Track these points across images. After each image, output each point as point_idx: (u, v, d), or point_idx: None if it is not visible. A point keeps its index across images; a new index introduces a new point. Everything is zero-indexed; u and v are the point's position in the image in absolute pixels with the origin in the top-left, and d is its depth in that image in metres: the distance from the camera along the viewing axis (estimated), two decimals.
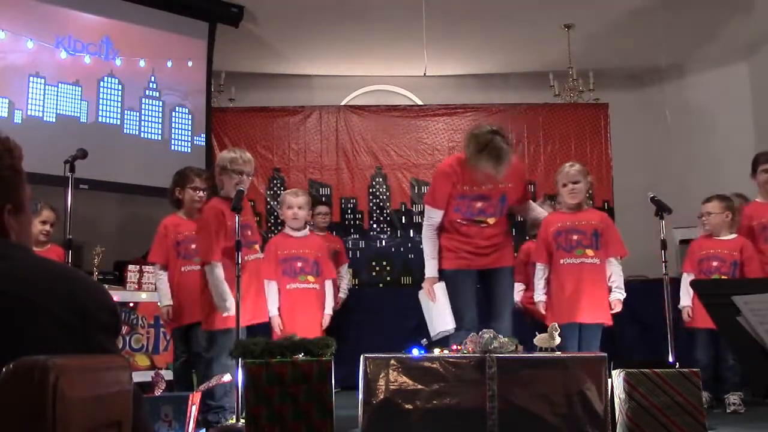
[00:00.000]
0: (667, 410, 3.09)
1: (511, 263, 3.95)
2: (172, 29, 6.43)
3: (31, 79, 5.66)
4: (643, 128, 8.00)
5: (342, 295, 5.77)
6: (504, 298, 3.83)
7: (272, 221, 7.13)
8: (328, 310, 4.42)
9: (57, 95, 5.79)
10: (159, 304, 4.20)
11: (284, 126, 7.39)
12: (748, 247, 4.50)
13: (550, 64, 7.33)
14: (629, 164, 7.61)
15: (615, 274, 3.86)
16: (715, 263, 4.56)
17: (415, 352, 3.26)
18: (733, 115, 7.47)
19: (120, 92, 6.16)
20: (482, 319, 3.72)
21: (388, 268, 7.25)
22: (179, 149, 6.49)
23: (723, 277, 4.49)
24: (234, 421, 3.41)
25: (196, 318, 3.86)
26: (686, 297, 4.60)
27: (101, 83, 6.05)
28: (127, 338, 4.62)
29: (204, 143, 6.65)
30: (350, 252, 6.86)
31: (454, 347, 3.39)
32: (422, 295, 3.85)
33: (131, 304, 4.69)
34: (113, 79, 6.13)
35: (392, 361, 3.18)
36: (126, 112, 6.19)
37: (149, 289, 4.83)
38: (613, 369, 3.23)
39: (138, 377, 3.67)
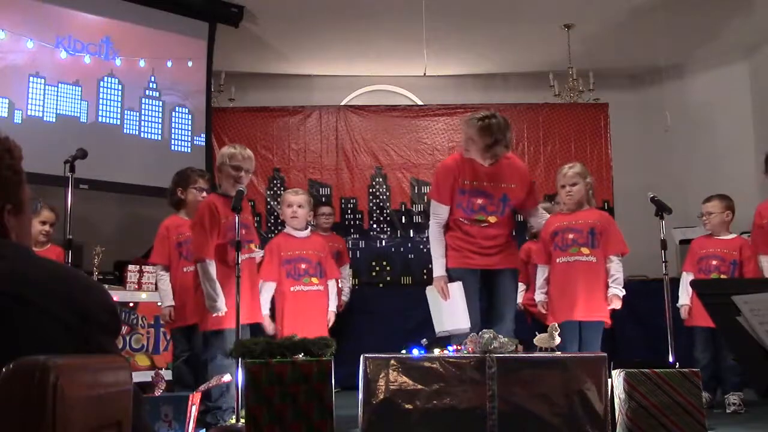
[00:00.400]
0: (667, 410, 3.09)
1: (515, 265, 3.90)
2: (172, 29, 6.43)
3: (31, 79, 5.66)
4: (643, 128, 8.00)
5: (344, 298, 5.78)
6: (506, 301, 3.80)
7: (272, 221, 7.14)
8: (332, 308, 4.39)
9: (57, 95, 5.79)
10: (160, 304, 4.20)
11: (284, 126, 7.40)
12: (747, 247, 4.50)
13: (550, 64, 7.33)
14: (629, 164, 7.61)
15: (614, 271, 3.84)
16: (714, 262, 4.57)
17: (415, 352, 3.26)
18: (733, 115, 7.47)
19: (120, 92, 6.16)
20: (484, 321, 3.70)
21: (388, 268, 7.25)
22: (179, 149, 6.49)
23: (722, 276, 4.49)
24: (234, 421, 3.41)
25: (198, 318, 3.85)
26: (684, 295, 4.62)
27: (101, 83, 6.05)
28: (127, 338, 4.62)
29: (204, 143, 6.64)
30: (350, 252, 6.86)
31: (454, 347, 3.38)
32: (431, 291, 3.79)
33: (131, 304, 4.69)
34: (113, 79, 6.13)
35: (392, 361, 3.18)
36: (126, 112, 6.19)
37: (149, 289, 4.83)
38: (613, 369, 3.23)
39: (138, 377, 3.67)
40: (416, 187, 7.36)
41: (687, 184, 7.26)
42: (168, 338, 4.72)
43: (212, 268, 3.57)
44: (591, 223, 3.88)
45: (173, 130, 6.48)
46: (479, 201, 3.73)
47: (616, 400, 3.18)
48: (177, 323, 4.11)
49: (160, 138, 6.40)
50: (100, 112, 6.03)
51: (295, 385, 2.92)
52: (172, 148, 6.46)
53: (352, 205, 7.31)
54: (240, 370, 3.21)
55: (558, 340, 3.28)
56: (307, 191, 4.60)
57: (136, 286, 4.88)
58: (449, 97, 7.75)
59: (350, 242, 7.09)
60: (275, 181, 7.24)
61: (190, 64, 6.58)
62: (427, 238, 7.04)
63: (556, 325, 3.35)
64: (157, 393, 3.23)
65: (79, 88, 5.91)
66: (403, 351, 3.28)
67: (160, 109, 6.41)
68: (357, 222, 7.29)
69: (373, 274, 7.22)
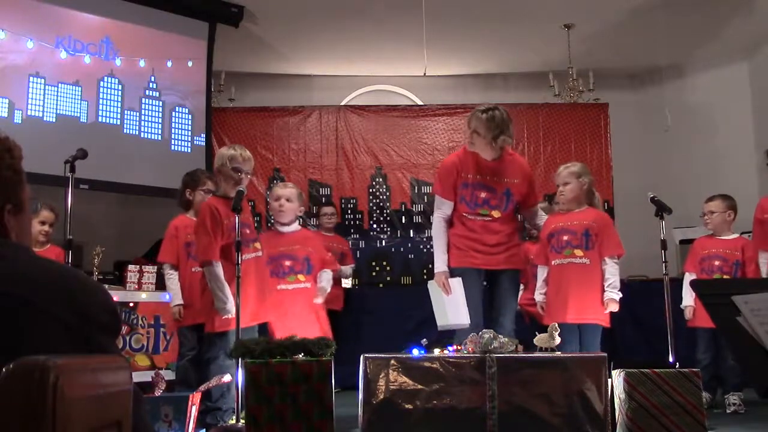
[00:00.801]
0: (667, 410, 3.09)
1: (517, 266, 3.87)
2: (172, 29, 6.43)
3: (31, 79, 5.66)
4: (642, 128, 8.01)
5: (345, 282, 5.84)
6: (507, 302, 3.78)
7: (272, 221, 7.13)
8: (322, 283, 4.14)
9: (57, 95, 5.79)
10: (170, 303, 4.29)
11: (284, 126, 7.40)
12: (749, 248, 4.50)
13: (550, 64, 7.33)
14: (629, 164, 7.61)
15: (609, 274, 3.79)
16: (717, 263, 4.56)
17: (415, 352, 3.26)
18: (733, 115, 7.47)
19: (120, 92, 6.16)
20: (486, 321, 3.70)
21: (388, 268, 7.25)
22: (179, 149, 6.49)
23: (725, 276, 4.48)
24: (234, 421, 3.41)
25: (204, 319, 3.85)
26: (688, 296, 4.59)
27: (101, 83, 6.05)
28: (127, 338, 4.62)
29: (204, 143, 6.64)
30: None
31: (454, 347, 3.38)
32: (433, 286, 3.78)
33: (131, 304, 4.69)
34: (113, 79, 6.13)
35: (392, 361, 3.18)
36: (126, 112, 6.19)
37: (149, 289, 4.84)
38: (613, 369, 3.23)
39: (138, 377, 3.67)
40: (416, 187, 7.37)
41: (687, 184, 7.25)
42: (168, 338, 4.73)
43: (219, 269, 3.57)
44: (586, 224, 3.85)
45: (173, 130, 6.48)
46: (483, 195, 3.73)
47: (616, 400, 3.18)
48: (186, 321, 4.17)
49: (160, 138, 6.40)
50: (100, 112, 6.03)
51: (295, 385, 2.91)
52: (172, 148, 6.46)
53: (352, 205, 7.31)
54: (240, 370, 3.21)
55: (558, 340, 3.28)
56: (296, 186, 4.35)
57: (136, 286, 4.88)
58: (449, 97, 7.75)
59: (350, 242, 7.10)
60: (275, 182, 7.23)
61: (190, 64, 6.58)
62: (427, 238, 7.13)
63: (556, 325, 3.34)
64: (157, 393, 3.23)
65: (79, 88, 5.91)
66: (403, 351, 3.28)
67: (160, 109, 6.41)
68: (357, 222, 7.29)
69: (373, 274, 7.22)
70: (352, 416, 3.48)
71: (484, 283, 3.82)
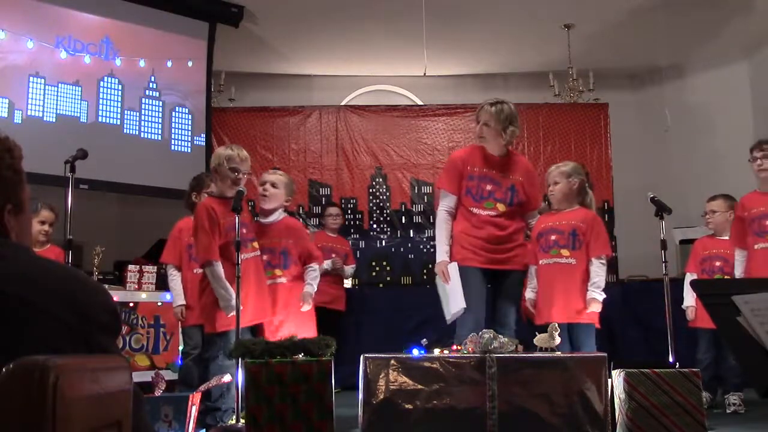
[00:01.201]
0: (667, 410, 3.09)
1: (522, 266, 3.83)
2: (172, 29, 6.43)
3: (31, 79, 5.66)
4: (642, 128, 8.01)
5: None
6: (510, 304, 3.76)
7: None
8: (308, 289, 3.90)
9: (57, 95, 5.79)
10: (173, 304, 4.35)
11: (284, 126, 7.40)
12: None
13: (550, 64, 7.33)
14: (629, 164, 7.61)
15: (594, 274, 3.76)
16: (718, 263, 4.56)
17: (415, 352, 3.26)
18: (733, 115, 7.47)
19: (120, 92, 6.17)
20: (488, 321, 3.69)
21: (388, 268, 7.25)
22: (179, 149, 6.50)
23: (726, 277, 4.48)
24: (234, 421, 3.41)
25: (204, 320, 3.86)
26: (690, 297, 4.59)
27: (101, 83, 6.05)
28: (127, 338, 4.62)
29: (204, 143, 6.64)
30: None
31: (454, 347, 3.38)
32: (438, 280, 3.79)
33: (131, 304, 4.69)
34: (113, 79, 6.13)
35: (392, 361, 3.18)
36: (126, 112, 6.19)
37: (149, 289, 4.85)
38: (613, 369, 3.22)
39: (138, 377, 3.67)
40: (416, 187, 7.36)
41: (687, 184, 7.26)
42: (168, 338, 4.73)
43: (220, 268, 3.57)
44: (573, 224, 3.83)
45: (173, 130, 6.48)
46: (488, 187, 3.74)
47: (616, 400, 3.18)
48: (189, 321, 4.24)
49: (160, 138, 6.40)
50: (100, 112, 6.03)
51: (295, 385, 2.92)
52: (172, 148, 6.46)
53: (352, 205, 7.31)
54: (240, 370, 3.21)
55: (558, 340, 3.28)
56: (288, 176, 4.17)
57: (136, 286, 4.89)
58: (449, 97, 7.75)
59: (350, 242, 7.10)
60: None
61: (190, 64, 6.58)
62: (428, 238, 7.13)
63: (556, 325, 3.34)
64: (157, 393, 3.23)
65: (79, 88, 5.91)
66: (403, 351, 3.28)
67: (160, 109, 6.41)
68: (357, 222, 7.29)
69: (373, 274, 7.22)
70: (352, 416, 3.48)
71: (488, 285, 3.81)
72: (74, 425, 0.87)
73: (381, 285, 7.11)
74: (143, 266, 4.94)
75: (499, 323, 3.66)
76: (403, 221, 7.33)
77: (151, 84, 6.35)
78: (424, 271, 7.03)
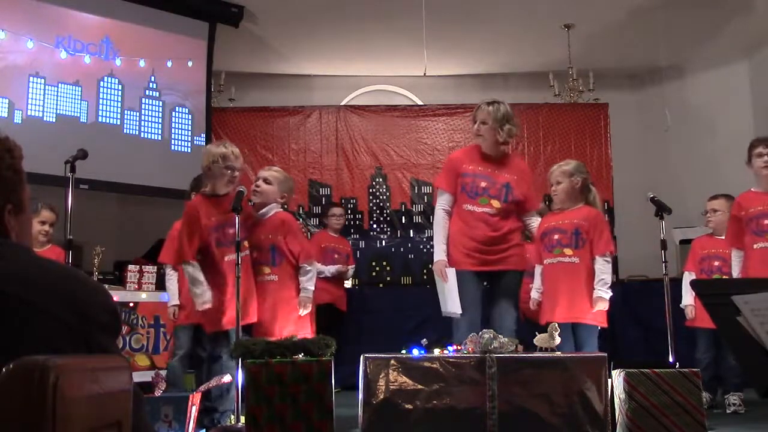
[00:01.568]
0: (667, 410, 3.09)
1: (518, 267, 3.83)
2: (172, 29, 6.43)
3: (31, 79, 5.66)
4: (642, 128, 8.01)
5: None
6: (507, 305, 3.76)
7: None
8: (305, 293, 3.75)
9: (57, 95, 5.79)
10: (168, 303, 4.35)
11: (284, 126, 7.40)
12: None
13: (550, 64, 7.33)
14: (629, 164, 7.61)
15: (599, 272, 3.76)
16: (716, 263, 4.56)
17: (415, 352, 3.26)
18: (733, 115, 7.47)
19: (120, 92, 6.16)
20: (484, 323, 3.69)
21: (388, 268, 7.25)
22: (179, 149, 6.50)
23: (724, 276, 4.48)
24: (233, 421, 3.41)
25: (200, 319, 3.85)
26: (688, 296, 4.59)
27: (101, 83, 6.05)
28: (127, 338, 4.62)
29: (204, 143, 6.63)
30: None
31: (454, 347, 3.38)
32: (437, 277, 3.84)
33: (131, 304, 4.69)
34: (113, 79, 6.13)
35: (392, 361, 3.18)
36: (126, 112, 6.19)
37: (149, 289, 4.85)
38: (613, 369, 3.23)
39: (138, 377, 3.67)
40: (416, 187, 7.36)
41: (687, 184, 7.26)
42: (168, 338, 4.73)
43: (192, 268, 3.58)
44: (576, 222, 3.83)
45: (173, 130, 6.48)
46: (483, 184, 3.78)
47: (616, 400, 3.18)
48: (180, 321, 4.22)
49: (160, 138, 6.40)
50: (100, 112, 6.03)
51: (295, 385, 2.92)
52: (172, 148, 6.46)
53: (352, 205, 7.31)
54: (240, 370, 3.21)
55: (558, 340, 3.28)
56: (284, 173, 4.05)
57: (136, 286, 4.89)
58: (449, 97, 7.75)
59: (350, 242, 7.10)
60: None
61: (190, 64, 6.58)
62: (428, 238, 7.12)
63: (556, 324, 3.34)
64: (157, 393, 3.24)
65: (79, 88, 5.91)
66: (403, 351, 3.28)
67: (160, 109, 6.41)
68: (357, 222, 7.29)
69: (373, 274, 7.22)
70: (352, 416, 3.48)
71: (485, 283, 3.81)
72: (74, 425, 0.87)
73: (381, 285, 7.11)
74: (143, 266, 4.94)
75: (497, 325, 3.65)
76: (403, 221, 7.34)
77: (151, 84, 6.35)
78: (424, 271, 7.03)
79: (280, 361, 2.95)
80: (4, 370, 0.85)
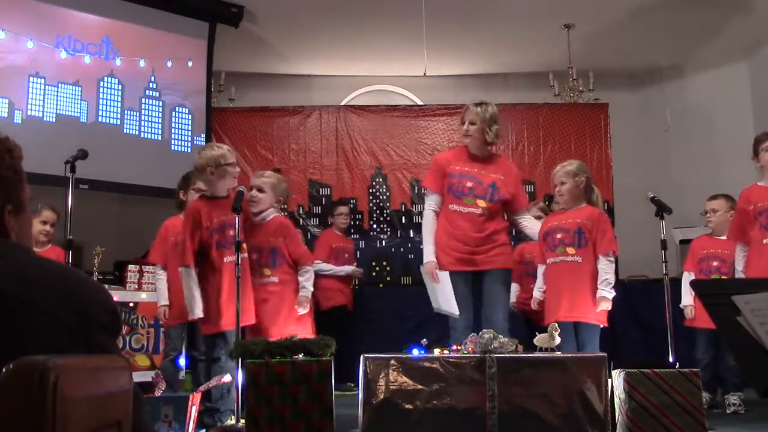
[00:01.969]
0: (667, 410, 3.09)
1: (505, 266, 3.86)
2: (172, 29, 6.43)
3: (31, 79, 5.66)
4: (642, 128, 8.00)
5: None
6: (495, 303, 3.78)
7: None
8: (304, 293, 3.80)
9: (57, 95, 5.79)
10: (157, 304, 4.30)
11: (284, 126, 7.40)
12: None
13: (550, 64, 7.33)
14: (629, 164, 7.61)
15: (602, 272, 3.76)
16: (715, 263, 4.55)
17: (415, 352, 3.26)
18: (733, 115, 7.47)
19: (120, 92, 6.17)
20: (476, 324, 3.71)
21: (388, 268, 7.25)
22: (179, 149, 6.50)
23: (723, 276, 4.48)
24: (233, 421, 3.41)
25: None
26: (688, 296, 4.59)
27: (101, 83, 6.05)
28: (127, 338, 4.62)
29: (204, 143, 6.64)
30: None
31: (454, 347, 3.38)
32: (424, 272, 3.90)
33: (131, 304, 4.69)
34: (113, 79, 6.13)
35: (392, 361, 3.18)
36: (126, 112, 6.19)
37: (149, 289, 4.84)
38: (613, 369, 3.22)
39: (138, 377, 3.67)
40: (416, 187, 7.36)
41: (687, 184, 7.25)
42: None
43: (189, 277, 3.59)
44: (579, 222, 3.83)
45: (173, 130, 6.48)
46: (468, 184, 3.83)
47: (616, 400, 3.18)
48: (171, 321, 4.21)
49: (160, 138, 6.40)
50: (100, 112, 6.03)
51: (295, 385, 2.92)
52: (172, 148, 6.47)
53: (352, 206, 7.30)
54: (240, 370, 3.21)
55: (558, 340, 3.28)
56: (276, 175, 4.04)
57: (136, 286, 4.89)
58: (449, 97, 7.74)
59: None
60: None
61: (190, 64, 6.58)
62: None
63: (556, 325, 3.34)
64: (157, 393, 3.23)
65: (79, 88, 5.91)
66: (403, 351, 3.28)
67: (160, 109, 6.41)
68: (357, 222, 7.29)
69: (373, 274, 7.22)
70: (352, 416, 3.48)
71: (473, 283, 3.85)
72: (74, 425, 0.87)
73: (381, 285, 7.10)
74: (143, 266, 4.94)
75: (489, 319, 3.69)
76: (403, 221, 7.34)
77: (151, 84, 6.35)
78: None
79: (280, 361, 2.95)
80: (4, 370, 0.85)
